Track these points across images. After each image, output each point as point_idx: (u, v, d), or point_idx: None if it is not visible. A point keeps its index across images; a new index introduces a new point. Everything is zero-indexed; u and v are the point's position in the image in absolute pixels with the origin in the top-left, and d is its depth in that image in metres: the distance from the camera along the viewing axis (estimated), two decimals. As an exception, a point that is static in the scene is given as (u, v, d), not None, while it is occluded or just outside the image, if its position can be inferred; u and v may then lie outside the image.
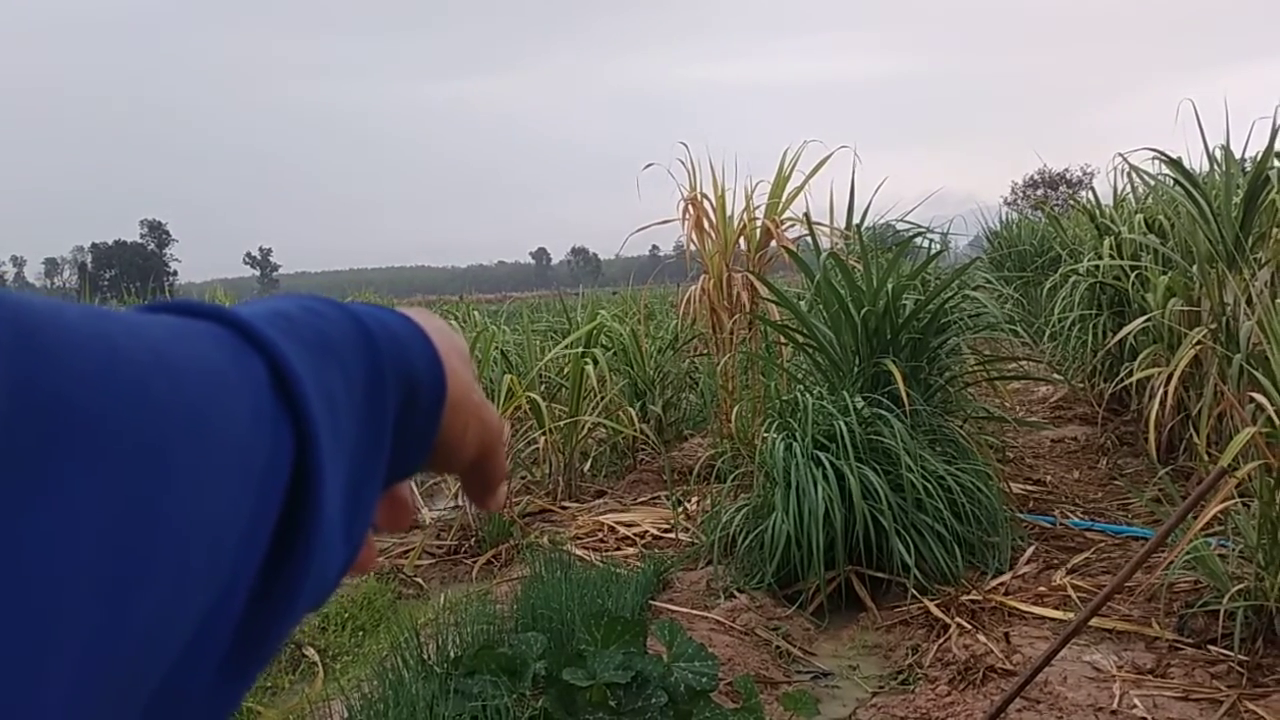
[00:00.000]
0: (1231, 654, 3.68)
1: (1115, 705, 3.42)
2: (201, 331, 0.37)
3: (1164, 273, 6.55)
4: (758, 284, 6.97)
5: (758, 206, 7.54)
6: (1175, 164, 6.32)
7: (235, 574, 0.34)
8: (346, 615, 5.20)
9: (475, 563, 6.13)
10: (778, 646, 4.41)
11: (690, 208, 7.61)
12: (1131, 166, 7.42)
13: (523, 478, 7.63)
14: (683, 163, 7.59)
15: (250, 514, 0.35)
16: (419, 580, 6.02)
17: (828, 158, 7.37)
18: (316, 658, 4.80)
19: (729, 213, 7.57)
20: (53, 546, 0.27)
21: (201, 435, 0.33)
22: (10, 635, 0.26)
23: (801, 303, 6.20)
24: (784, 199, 7.44)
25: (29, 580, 0.27)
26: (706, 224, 7.63)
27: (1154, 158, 6.71)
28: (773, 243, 7.46)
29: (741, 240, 7.57)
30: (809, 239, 6.79)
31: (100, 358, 0.30)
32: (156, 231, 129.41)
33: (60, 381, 0.29)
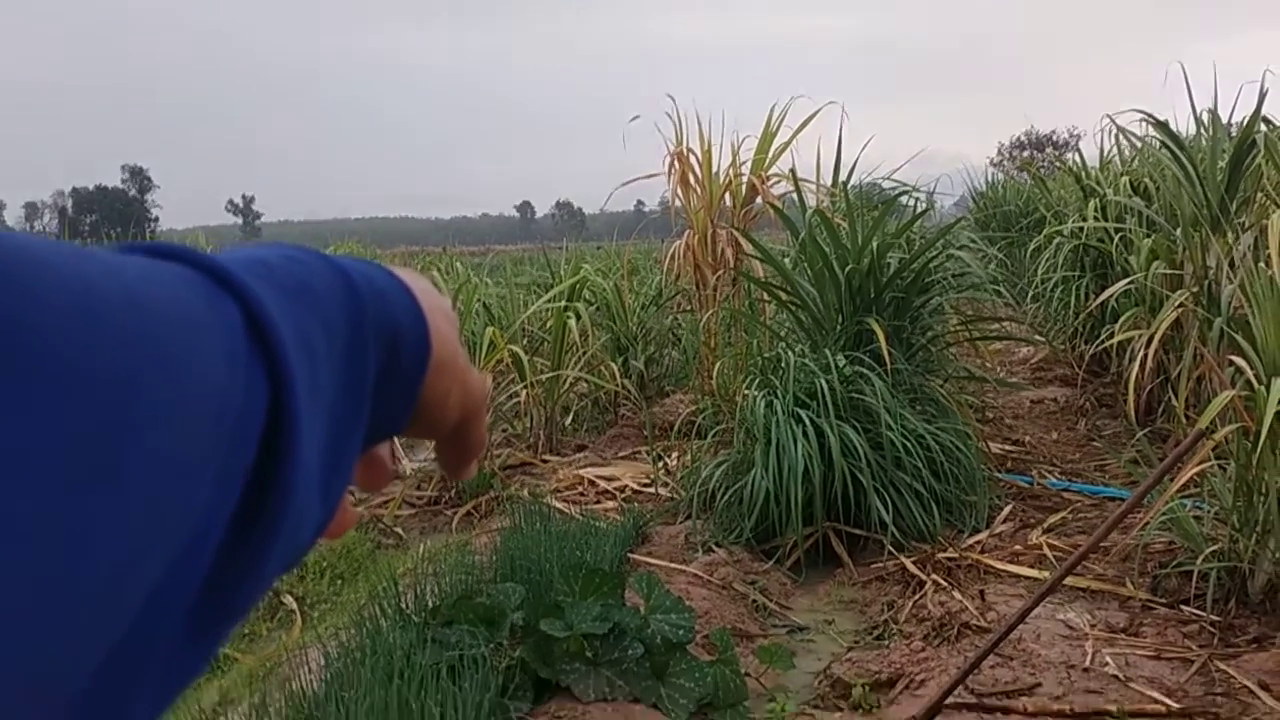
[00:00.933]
0: (1204, 614, 3.72)
1: (1088, 663, 3.45)
2: (175, 274, 0.35)
3: (1148, 236, 6.55)
4: (742, 240, 6.95)
5: (744, 162, 7.50)
6: (1162, 126, 6.31)
7: (205, 523, 0.33)
8: (325, 564, 5.21)
9: (455, 514, 6.14)
10: (754, 601, 4.44)
11: (676, 162, 7.56)
12: (1119, 128, 7.39)
13: (504, 431, 7.63)
14: (670, 116, 7.54)
15: (222, 461, 0.33)
16: (398, 530, 6.03)
17: (815, 114, 7.33)
18: (295, 606, 4.82)
19: (715, 168, 7.53)
20: (6, 473, 0.26)
21: (173, 376, 0.31)
22: None
23: (786, 260, 6.18)
24: (770, 155, 7.40)
25: None
26: (692, 179, 7.59)
27: (1141, 120, 6.69)
28: (758, 199, 7.43)
29: (727, 196, 7.54)
30: (795, 196, 6.76)
31: (75, 295, 0.29)
32: (138, 177, 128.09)
33: (33, 314, 0.28)
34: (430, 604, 3.65)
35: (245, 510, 0.35)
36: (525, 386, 7.22)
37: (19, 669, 0.26)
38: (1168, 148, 6.20)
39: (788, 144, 7.32)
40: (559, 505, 5.66)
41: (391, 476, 0.55)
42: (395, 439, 0.55)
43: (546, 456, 7.16)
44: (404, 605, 3.68)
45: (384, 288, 0.46)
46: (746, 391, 5.34)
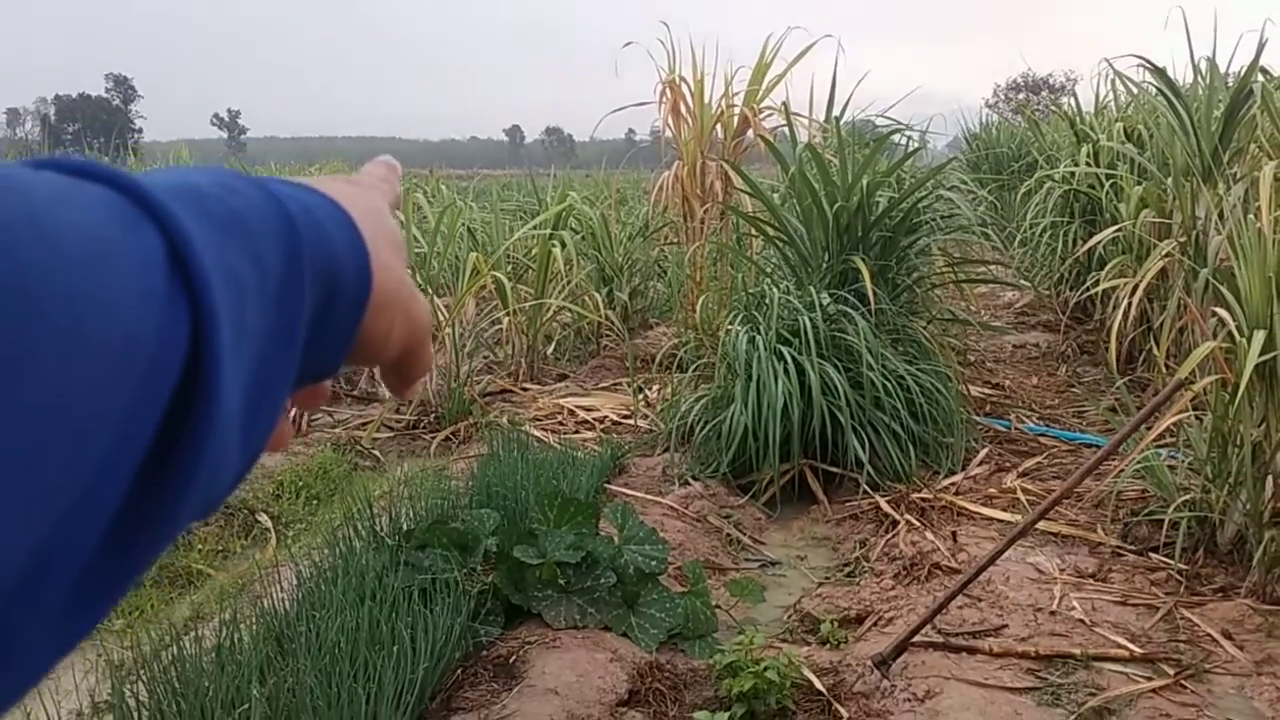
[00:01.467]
0: (1172, 562, 3.75)
1: (1055, 606, 3.49)
2: (92, 196, 0.33)
3: (1139, 183, 6.52)
4: (732, 173, 6.88)
5: (736, 93, 7.39)
6: (1159, 73, 6.25)
7: (105, 469, 0.30)
8: (301, 484, 5.21)
9: (433, 439, 6.13)
10: (728, 535, 4.46)
11: (668, 91, 7.45)
12: (1116, 73, 7.32)
13: (485, 357, 7.61)
14: (663, 44, 7.41)
15: (128, 403, 0.31)
16: (376, 453, 6.03)
17: (810, 46, 7.21)
18: (269, 524, 4.82)
19: (707, 99, 7.43)
20: None
21: (71, 310, 0.29)
22: None
23: (775, 195, 6.13)
24: (764, 87, 7.29)
25: None
26: (684, 108, 7.48)
27: (1139, 65, 6.62)
28: (750, 132, 7.34)
29: (718, 128, 7.44)
30: (786, 130, 6.68)
31: None
32: (122, 86, 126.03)
33: None
34: (405, 527, 3.66)
35: (156, 456, 0.32)
36: (508, 314, 7.19)
37: None
38: (1163, 95, 6.14)
39: (781, 76, 7.22)
40: (538, 434, 5.66)
41: (327, 396, 0.53)
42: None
43: (527, 385, 7.15)
44: (378, 528, 3.69)
45: (322, 219, 0.43)
46: (730, 327, 5.32)
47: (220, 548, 4.58)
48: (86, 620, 0.32)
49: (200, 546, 4.52)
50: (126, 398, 0.31)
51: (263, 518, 4.86)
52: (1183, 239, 5.82)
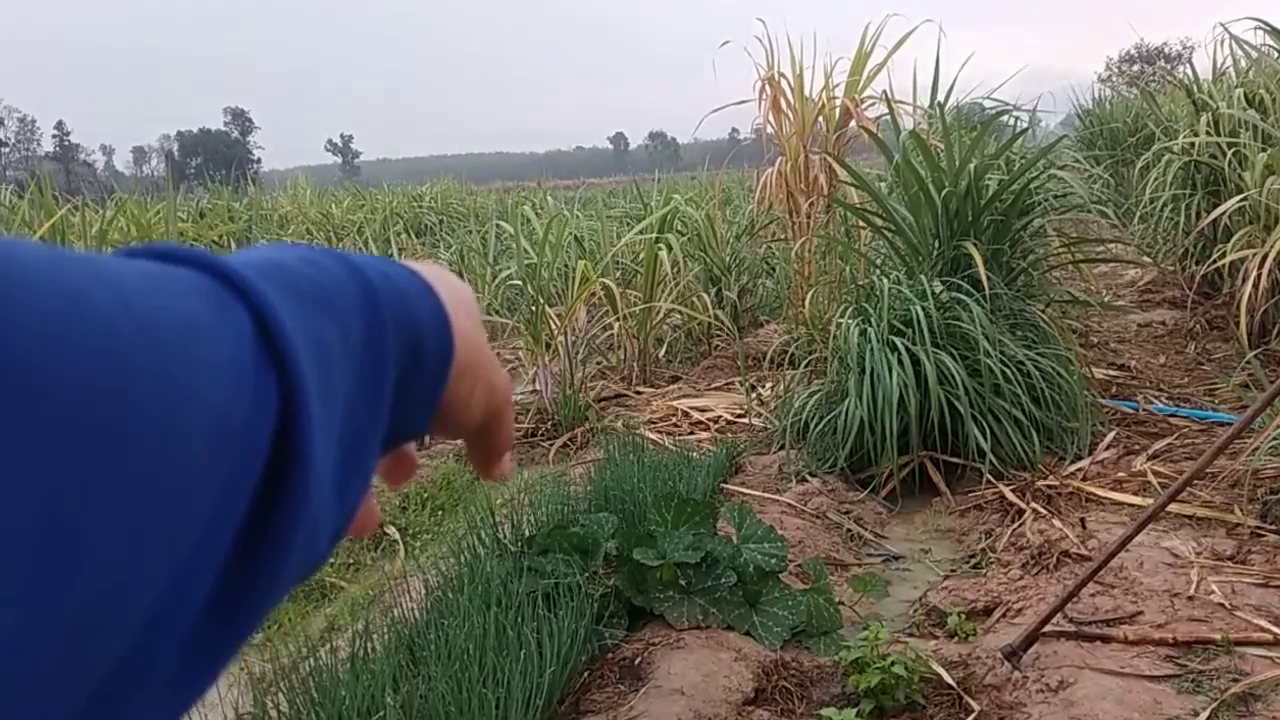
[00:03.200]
0: (1316, 542, 3.60)
1: (1192, 591, 3.38)
2: (181, 279, 0.34)
3: (1263, 150, 6.25)
4: (835, 166, 6.82)
5: (837, 85, 7.34)
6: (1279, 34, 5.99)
7: (206, 538, 0.32)
8: (426, 495, 5.34)
9: (551, 445, 6.22)
10: (849, 530, 4.43)
11: (767, 87, 7.43)
12: (1233, 37, 7.04)
13: (598, 363, 7.69)
14: (760, 41, 7.39)
15: (225, 475, 0.32)
16: (496, 462, 6.13)
17: (910, 33, 7.13)
18: (397, 536, 4.95)
19: (807, 92, 7.38)
20: None
21: (168, 387, 0.30)
22: None
23: (880, 185, 6.06)
24: (864, 77, 7.22)
25: None
26: (784, 104, 7.46)
27: (1257, 28, 6.35)
28: (852, 123, 7.27)
29: (820, 121, 7.39)
30: (889, 118, 6.60)
31: (55, 306, 0.28)
32: (240, 119, 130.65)
33: (3, 331, 0.26)
34: (527, 533, 3.72)
35: (255, 526, 0.34)
36: (618, 319, 7.25)
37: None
38: (1286, 56, 5.89)
39: (882, 65, 7.14)
40: (652, 436, 5.70)
41: (415, 469, 0.55)
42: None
43: (640, 388, 7.19)
44: (501, 535, 3.76)
45: (404, 288, 0.45)
46: (840, 320, 5.28)
47: (351, 561, 4.72)
48: (196, 686, 0.34)
49: (333, 560, 4.66)
50: (222, 474, 0.32)
51: (391, 530, 4.99)
52: (1314, 204, 5.57)
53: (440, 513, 5.26)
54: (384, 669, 2.81)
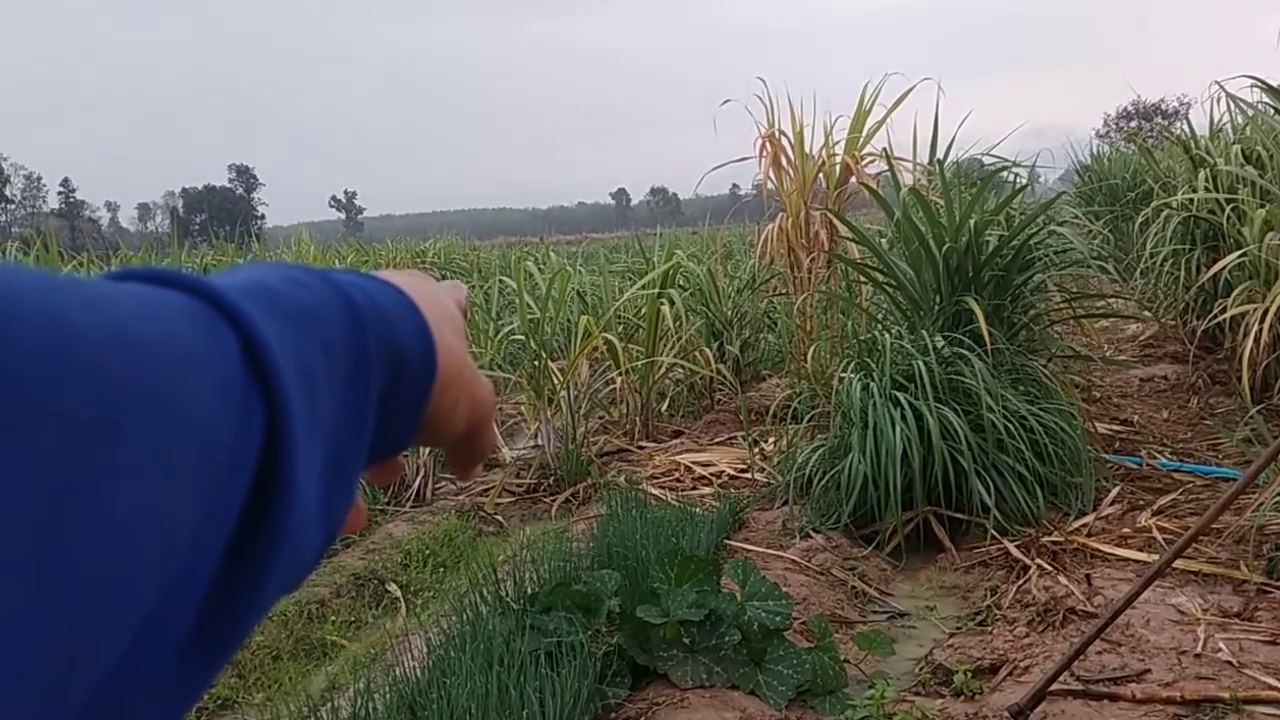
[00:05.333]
0: (1323, 598, 3.57)
1: (1199, 649, 3.35)
2: (170, 303, 0.35)
3: (1261, 206, 6.29)
4: (836, 222, 6.86)
5: (837, 142, 7.41)
6: (1275, 92, 6.06)
7: (194, 559, 0.33)
8: (428, 552, 5.31)
9: (553, 501, 6.20)
10: (853, 586, 4.40)
11: (768, 145, 7.50)
12: (1229, 95, 7.11)
13: (600, 417, 7.68)
14: (760, 99, 7.48)
15: (213, 497, 0.33)
16: (498, 518, 6.11)
17: (909, 91, 7.21)
18: (398, 593, 4.92)
19: (807, 149, 7.45)
20: None
21: (158, 414, 0.31)
22: None
23: (881, 240, 6.10)
24: (864, 134, 7.30)
25: None
26: (784, 161, 7.52)
27: (1253, 85, 6.43)
28: (852, 179, 7.33)
29: (820, 177, 7.46)
30: (889, 175, 6.66)
31: (46, 331, 0.28)
32: (244, 176, 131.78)
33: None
34: (529, 591, 3.70)
35: (241, 541, 0.35)
36: (620, 373, 7.25)
37: None
38: (1281, 113, 5.95)
39: (882, 122, 7.21)
40: (655, 491, 5.68)
41: (401, 471, 0.56)
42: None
43: (643, 443, 7.18)
44: (503, 593, 3.74)
45: (387, 306, 0.46)
46: (842, 375, 5.29)
47: (353, 618, 4.69)
48: (187, 696, 0.34)
49: (333, 618, 4.63)
50: (213, 488, 0.33)
51: (392, 587, 4.96)
52: (1313, 260, 5.59)
53: (442, 570, 5.23)
54: (385, 729, 2.78)
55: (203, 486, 0.33)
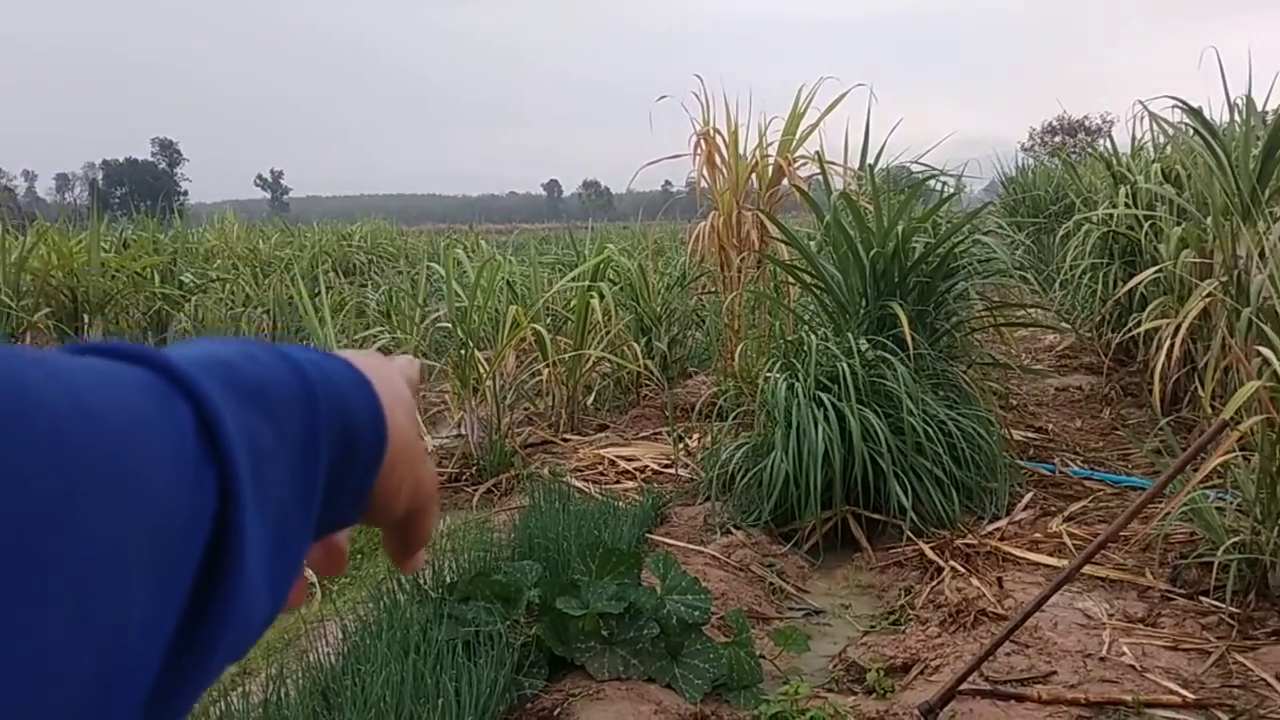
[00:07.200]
0: (1223, 606, 3.69)
1: (1104, 652, 3.44)
2: (129, 377, 0.36)
3: (1178, 224, 6.48)
4: (768, 222, 6.92)
5: (771, 143, 7.47)
6: (1195, 113, 6.23)
7: (146, 632, 0.33)
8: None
9: (475, 491, 6.16)
10: (771, 583, 4.44)
11: (702, 143, 7.53)
12: (1151, 115, 7.30)
13: (526, 409, 7.65)
14: (697, 96, 7.50)
15: (162, 571, 0.34)
16: (419, 507, 6.05)
17: (843, 95, 7.28)
18: (314, 579, 4.85)
19: (741, 149, 7.49)
20: None
21: (117, 486, 0.32)
22: None
23: (811, 243, 6.16)
24: (798, 136, 7.36)
25: None
26: (718, 159, 7.56)
27: (1174, 106, 6.60)
28: (784, 181, 7.39)
29: (753, 177, 7.50)
30: (821, 178, 6.72)
31: (8, 397, 0.29)
32: (168, 150, 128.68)
33: None
34: (448, 580, 3.68)
35: (190, 613, 0.35)
36: (547, 365, 7.24)
37: None
38: (1200, 135, 6.12)
39: (815, 125, 7.28)
40: (579, 484, 5.68)
41: (344, 564, 0.57)
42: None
43: (567, 435, 7.17)
44: (422, 581, 3.71)
45: (341, 384, 0.47)
46: (768, 374, 5.33)
47: (266, 603, 4.62)
48: None
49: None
50: (162, 564, 0.34)
51: (308, 573, 4.89)
52: (1224, 278, 5.77)
53: (359, 556, 5.17)
54: (297, 715, 2.75)
55: (155, 559, 0.33)
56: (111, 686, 0.32)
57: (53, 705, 0.29)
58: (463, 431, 6.70)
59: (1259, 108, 6.22)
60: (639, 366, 7.92)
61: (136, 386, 0.35)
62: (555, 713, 3.07)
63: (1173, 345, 5.59)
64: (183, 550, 0.34)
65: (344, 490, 0.46)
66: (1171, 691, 3.18)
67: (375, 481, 0.48)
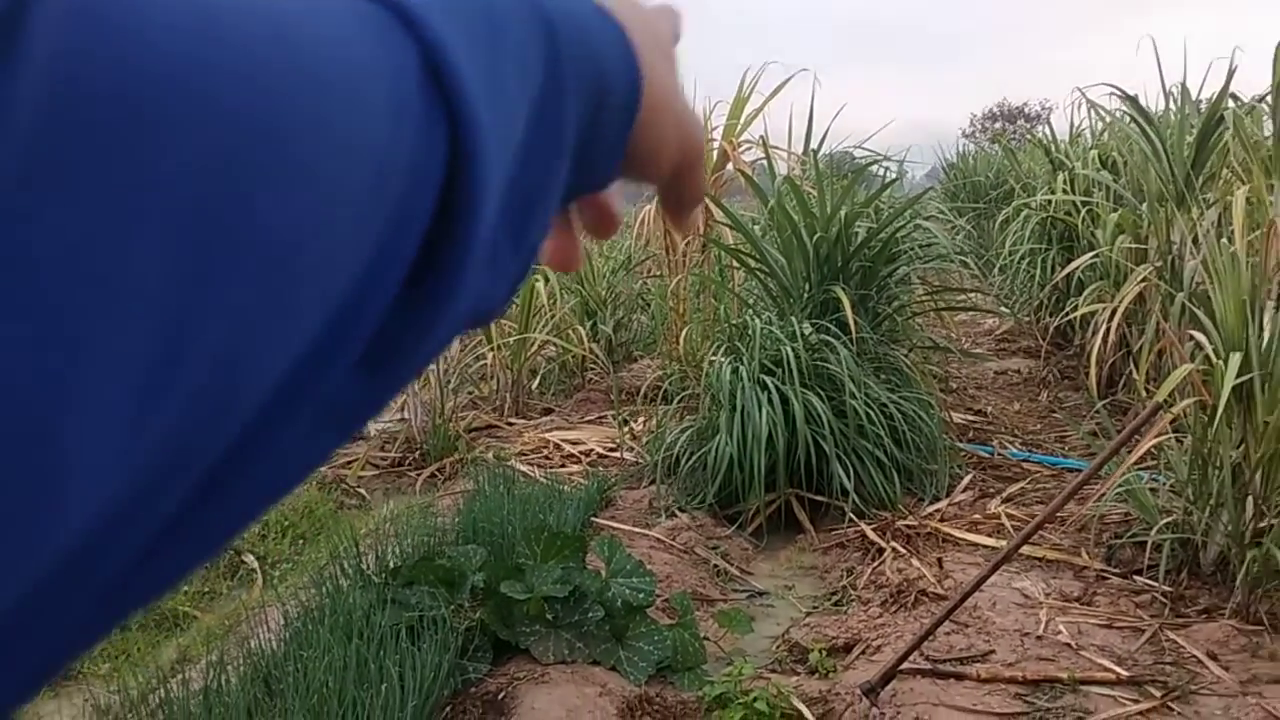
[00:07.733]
0: (1156, 584, 3.77)
1: (1041, 631, 3.50)
2: (344, 7, 0.30)
3: (1114, 210, 6.59)
4: (712, 207, 6.92)
5: (715, 128, 7.46)
6: (1131, 101, 6.34)
7: (367, 283, 0.29)
8: (287, 523, 5.19)
9: (419, 476, 6.13)
10: (716, 565, 4.47)
11: (647, 126, 7.51)
12: (1089, 102, 7.42)
13: (470, 393, 7.61)
14: (641, 79, 7.47)
15: (386, 222, 0.29)
16: (361, 491, 6.01)
17: (787, 80, 7.28)
18: (255, 565, 4.80)
19: (686, 133, 7.48)
20: (109, 237, 0.21)
21: (324, 124, 0.27)
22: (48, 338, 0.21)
23: (755, 227, 6.17)
24: (742, 121, 7.36)
25: (82, 277, 0.21)
26: (663, 143, 7.53)
27: (1111, 94, 6.71)
28: (729, 165, 7.40)
29: (698, 161, 7.49)
30: (765, 163, 6.74)
31: (194, 30, 0.24)
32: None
33: (138, 56, 0.22)
34: (391, 565, 3.65)
35: (414, 273, 0.31)
36: (492, 349, 7.21)
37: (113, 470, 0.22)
38: (1136, 122, 6.23)
39: (759, 110, 7.29)
40: (523, 468, 5.67)
41: (618, 225, 0.51)
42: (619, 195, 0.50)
43: (512, 419, 7.15)
44: (365, 566, 3.68)
45: (589, 25, 0.40)
46: (713, 358, 5.35)
47: (206, 589, 4.56)
48: (332, 440, 0.32)
49: (186, 588, 4.49)
50: (386, 212, 0.29)
51: (249, 558, 4.84)
52: (1159, 264, 5.88)
53: (301, 541, 5.12)
54: (239, 702, 2.72)
55: (375, 207, 0.29)
56: (330, 344, 0.28)
57: (245, 382, 0.26)
58: (406, 415, 6.65)
59: (1193, 96, 6.35)
60: (584, 350, 7.91)
61: (351, 17, 0.30)
62: (500, 696, 3.07)
63: (1109, 329, 5.70)
64: (407, 204, 0.30)
65: (596, 143, 0.41)
66: (1106, 669, 3.24)
67: (630, 134, 0.43)
